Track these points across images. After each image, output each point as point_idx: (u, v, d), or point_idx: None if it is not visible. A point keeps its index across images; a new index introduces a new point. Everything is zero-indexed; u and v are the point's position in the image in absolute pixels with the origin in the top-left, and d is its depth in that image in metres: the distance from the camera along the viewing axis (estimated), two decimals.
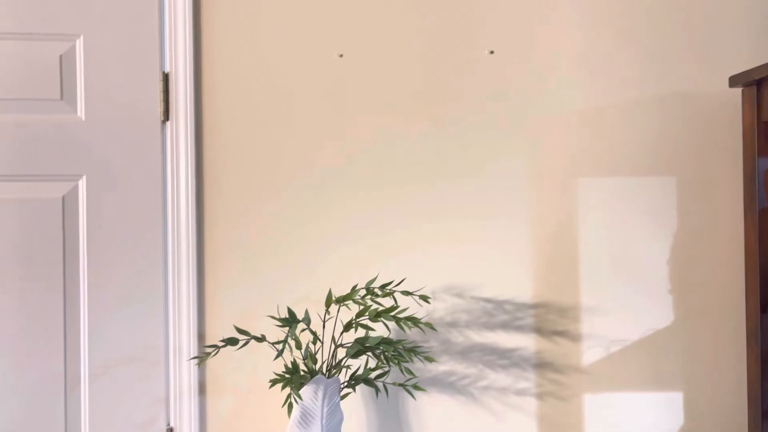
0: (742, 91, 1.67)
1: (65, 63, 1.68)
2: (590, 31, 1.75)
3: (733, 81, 1.65)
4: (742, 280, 1.71)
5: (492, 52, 1.74)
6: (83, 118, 1.68)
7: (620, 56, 1.76)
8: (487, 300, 1.74)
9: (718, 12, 1.76)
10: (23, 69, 1.66)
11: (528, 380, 1.74)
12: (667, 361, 1.75)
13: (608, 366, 1.74)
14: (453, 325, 1.74)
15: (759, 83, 1.60)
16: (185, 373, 1.68)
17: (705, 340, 1.75)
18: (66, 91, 1.68)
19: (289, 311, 1.49)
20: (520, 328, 1.74)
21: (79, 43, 1.68)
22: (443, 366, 1.72)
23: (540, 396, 1.74)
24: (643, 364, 1.75)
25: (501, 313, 1.74)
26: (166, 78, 1.71)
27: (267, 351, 1.53)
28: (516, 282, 1.74)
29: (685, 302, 1.76)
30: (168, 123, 1.71)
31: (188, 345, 1.68)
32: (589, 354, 1.75)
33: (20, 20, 1.66)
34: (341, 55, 1.73)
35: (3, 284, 1.65)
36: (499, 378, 1.73)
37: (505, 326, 1.74)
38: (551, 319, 1.74)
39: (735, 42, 1.76)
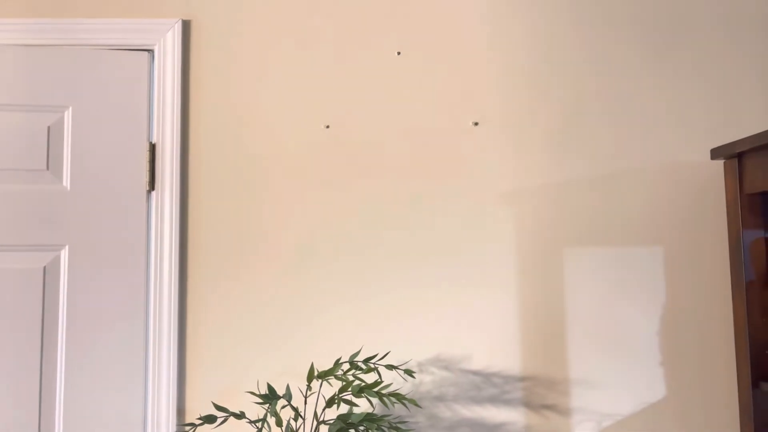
0: (724, 163, 1.68)
1: (53, 134, 1.69)
2: (575, 102, 1.78)
3: (715, 153, 1.66)
4: (733, 351, 1.68)
5: (476, 124, 1.76)
6: (68, 188, 1.68)
7: (604, 127, 1.78)
8: (475, 373, 1.70)
9: (705, 83, 1.79)
10: (11, 140, 1.67)
11: None
12: None
13: None
14: (440, 399, 1.69)
15: (740, 156, 1.61)
16: None
17: (698, 413, 1.71)
18: (52, 162, 1.68)
19: (269, 387, 1.45)
20: (508, 402, 1.70)
21: (68, 115, 1.70)
22: None
23: None
24: None
25: (489, 387, 1.70)
26: (152, 148, 1.72)
27: (248, 428, 1.48)
28: (504, 354, 1.71)
29: (677, 375, 1.72)
30: (153, 192, 1.71)
31: (167, 420, 1.63)
32: (581, 429, 1.70)
33: (10, 92, 1.68)
34: (328, 126, 1.75)
35: None
36: None
37: (493, 400, 1.70)
38: (540, 393, 1.70)
39: (716, 114, 1.78)
